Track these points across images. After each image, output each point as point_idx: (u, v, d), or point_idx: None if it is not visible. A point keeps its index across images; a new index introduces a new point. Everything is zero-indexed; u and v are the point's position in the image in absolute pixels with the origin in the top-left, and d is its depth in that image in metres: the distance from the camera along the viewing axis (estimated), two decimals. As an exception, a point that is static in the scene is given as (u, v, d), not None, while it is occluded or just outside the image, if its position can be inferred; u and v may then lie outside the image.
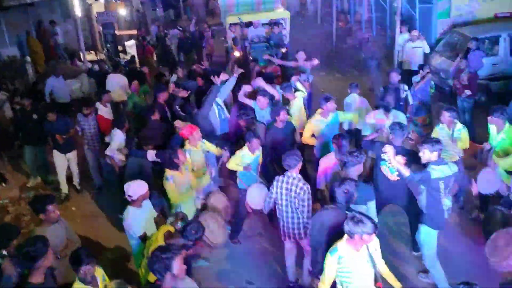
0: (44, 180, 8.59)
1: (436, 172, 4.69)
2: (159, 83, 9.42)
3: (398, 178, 5.24)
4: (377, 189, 5.45)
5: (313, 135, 6.70)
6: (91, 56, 16.40)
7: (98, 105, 8.26)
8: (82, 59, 14.01)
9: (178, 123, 7.02)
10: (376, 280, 4.07)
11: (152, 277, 4.18)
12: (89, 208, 7.84)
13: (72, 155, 8.03)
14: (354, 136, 7.68)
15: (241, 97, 7.60)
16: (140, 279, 4.45)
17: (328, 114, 6.59)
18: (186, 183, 5.73)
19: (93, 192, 8.20)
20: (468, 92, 8.33)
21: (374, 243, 3.95)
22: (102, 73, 10.96)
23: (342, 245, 3.86)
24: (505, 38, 10.10)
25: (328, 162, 5.67)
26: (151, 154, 6.28)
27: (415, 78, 8.56)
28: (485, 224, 5.53)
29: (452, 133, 6.14)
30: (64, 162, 7.97)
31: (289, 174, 5.08)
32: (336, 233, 4.17)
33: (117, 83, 10.06)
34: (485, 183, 5.82)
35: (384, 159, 5.28)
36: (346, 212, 4.31)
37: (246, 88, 7.72)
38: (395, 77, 7.76)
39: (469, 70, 8.62)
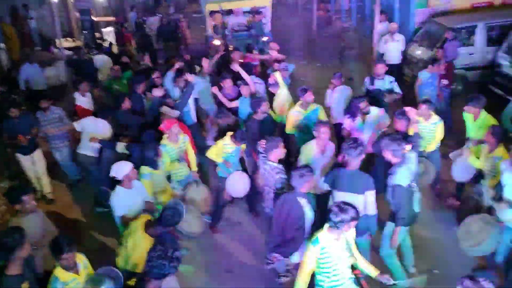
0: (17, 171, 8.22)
1: (404, 178, 4.63)
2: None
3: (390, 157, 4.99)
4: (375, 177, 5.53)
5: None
6: (68, 43, 16.05)
7: (77, 95, 8.06)
8: (58, 46, 13.72)
9: (165, 109, 6.90)
10: (353, 268, 4.16)
11: (130, 266, 4.18)
12: (66, 198, 7.72)
13: (37, 155, 7.27)
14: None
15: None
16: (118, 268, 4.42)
17: (307, 105, 6.61)
18: (162, 181, 5.71)
19: (70, 182, 8.04)
20: (445, 81, 8.45)
21: (351, 231, 4.01)
22: (81, 61, 10.77)
23: (323, 235, 3.90)
24: (482, 28, 10.25)
25: (307, 152, 5.67)
26: (120, 146, 6.19)
27: (423, 74, 8.29)
28: (459, 210, 5.69)
29: (431, 125, 6.25)
30: (31, 164, 7.25)
31: (267, 161, 5.18)
32: (285, 215, 4.39)
33: (103, 63, 10.58)
34: (460, 171, 5.97)
35: None
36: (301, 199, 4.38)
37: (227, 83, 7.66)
38: (381, 68, 7.60)
39: (446, 59, 8.75)
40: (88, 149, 6.99)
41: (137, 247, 4.18)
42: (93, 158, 7.02)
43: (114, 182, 5.17)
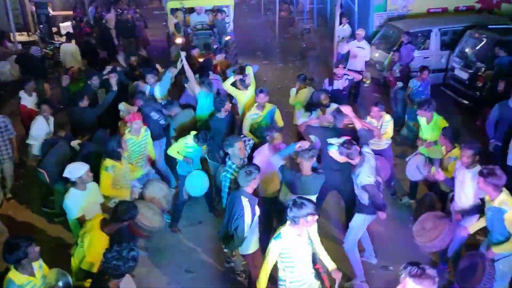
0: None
1: (368, 176, 4.77)
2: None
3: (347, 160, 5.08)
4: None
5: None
6: (22, 37, 15.44)
7: (22, 94, 7.76)
8: (13, 40, 13.18)
9: (124, 106, 6.77)
10: (314, 263, 4.21)
11: (85, 265, 4.08)
12: (17, 198, 7.40)
13: None
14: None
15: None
16: (72, 268, 4.31)
17: (263, 107, 6.65)
18: (125, 174, 5.61)
19: (21, 182, 7.72)
20: (400, 84, 8.69)
21: (313, 226, 4.05)
22: (30, 57, 10.45)
23: (285, 230, 3.93)
24: (436, 32, 10.64)
25: (260, 157, 5.54)
26: (74, 143, 6.06)
27: (413, 83, 8.19)
28: (417, 208, 5.89)
29: (381, 126, 6.45)
30: None
31: (229, 160, 5.26)
32: (230, 212, 4.47)
33: (69, 52, 11.08)
34: (413, 170, 6.17)
35: (331, 144, 5.25)
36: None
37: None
38: (340, 70, 7.74)
39: (401, 63, 9.01)
40: (36, 148, 6.72)
41: (93, 246, 4.07)
42: (39, 157, 6.71)
43: (64, 178, 5.04)
